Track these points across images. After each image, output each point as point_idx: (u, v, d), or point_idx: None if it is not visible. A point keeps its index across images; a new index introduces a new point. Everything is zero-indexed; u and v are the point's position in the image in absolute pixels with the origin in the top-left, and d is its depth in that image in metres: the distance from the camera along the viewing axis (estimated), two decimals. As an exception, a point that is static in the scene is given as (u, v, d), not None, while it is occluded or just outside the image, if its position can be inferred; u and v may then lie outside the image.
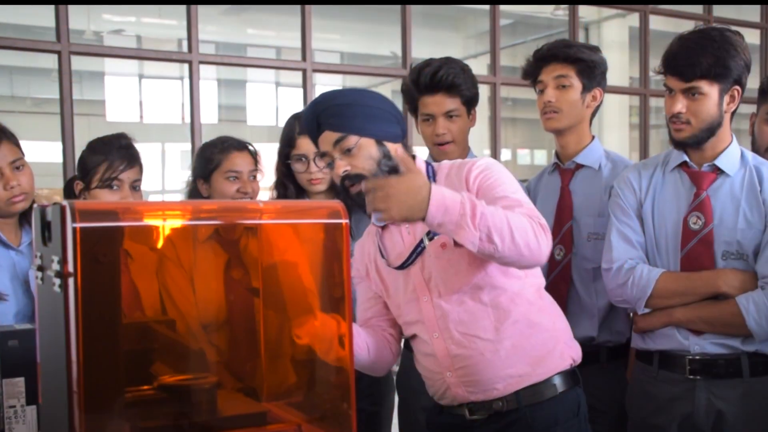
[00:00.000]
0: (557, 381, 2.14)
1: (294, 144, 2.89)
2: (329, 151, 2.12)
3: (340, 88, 2.16)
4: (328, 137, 2.10)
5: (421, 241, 2.15)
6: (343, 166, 2.10)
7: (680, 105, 2.38)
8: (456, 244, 2.01)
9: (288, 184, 2.95)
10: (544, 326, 2.16)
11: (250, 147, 2.97)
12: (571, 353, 2.20)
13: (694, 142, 2.42)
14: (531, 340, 2.12)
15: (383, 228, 2.27)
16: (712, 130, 2.40)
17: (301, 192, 2.95)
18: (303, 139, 2.85)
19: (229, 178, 2.87)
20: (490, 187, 2.09)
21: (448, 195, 1.87)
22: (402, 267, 2.20)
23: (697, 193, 2.43)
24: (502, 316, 2.11)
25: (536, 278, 2.22)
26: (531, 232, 1.94)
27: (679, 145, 2.45)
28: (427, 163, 2.23)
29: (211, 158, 2.90)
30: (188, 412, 1.65)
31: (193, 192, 2.96)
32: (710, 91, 2.36)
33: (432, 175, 2.21)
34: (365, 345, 2.19)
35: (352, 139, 2.09)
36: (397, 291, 2.23)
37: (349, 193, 2.13)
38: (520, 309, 2.13)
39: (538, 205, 2.33)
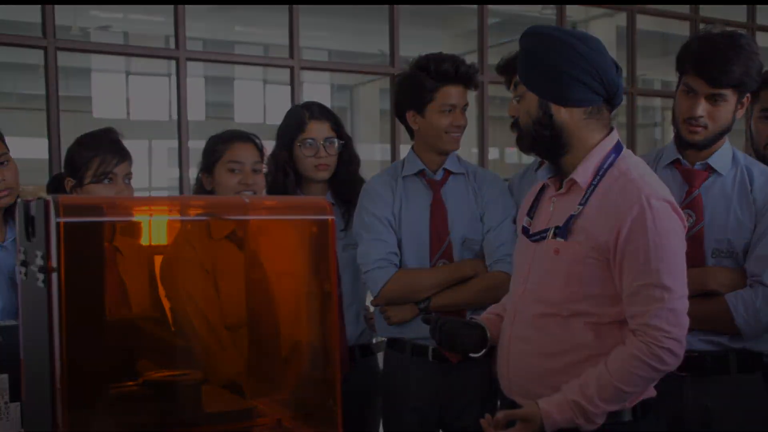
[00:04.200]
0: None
1: (304, 129, 2.92)
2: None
3: (546, 26, 2.09)
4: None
5: (546, 230, 2.08)
6: (515, 109, 2.14)
7: (702, 108, 2.35)
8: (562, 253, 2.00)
9: (289, 171, 2.93)
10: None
11: (256, 139, 2.83)
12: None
13: (704, 146, 2.41)
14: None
15: (544, 187, 2.22)
16: (723, 134, 2.41)
17: (299, 180, 2.95)
18: (313, 124, 2.92)
19: (231, 170, 2.72)
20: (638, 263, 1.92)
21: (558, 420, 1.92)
22: (528, 236, 2.14)
23: (690, 191, 2.43)
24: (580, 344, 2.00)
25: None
26: (640, 376, 1.93)
27: (689, 146, 2.43)
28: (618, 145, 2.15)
29: (215, 149, 2.77)
30: (173, 408, 1.64)
31: (198, 186, 2.84)
32: (732, 98, 2.35)
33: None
34: None
35: (521, 88, 2.16)
36: (518, 256, 2.20)
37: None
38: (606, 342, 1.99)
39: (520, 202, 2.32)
